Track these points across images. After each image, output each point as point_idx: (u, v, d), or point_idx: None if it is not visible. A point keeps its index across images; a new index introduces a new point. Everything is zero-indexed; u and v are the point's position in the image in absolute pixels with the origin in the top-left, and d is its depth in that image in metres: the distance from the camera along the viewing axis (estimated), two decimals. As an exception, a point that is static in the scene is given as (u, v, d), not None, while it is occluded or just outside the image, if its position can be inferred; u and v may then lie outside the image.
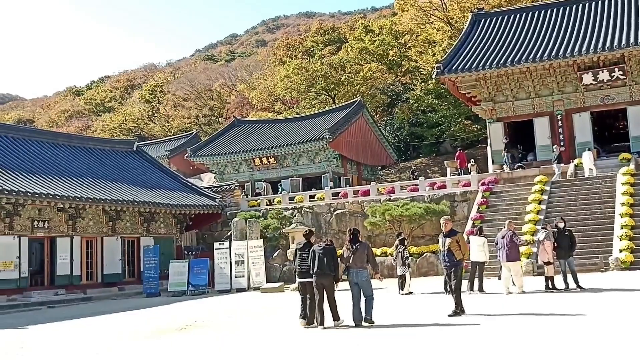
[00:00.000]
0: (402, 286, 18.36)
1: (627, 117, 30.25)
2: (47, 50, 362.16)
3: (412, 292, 18.21)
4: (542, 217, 23.72)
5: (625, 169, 25.16)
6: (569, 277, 16.26)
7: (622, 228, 21.42)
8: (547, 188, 25.87)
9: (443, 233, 13.07)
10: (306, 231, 13.10)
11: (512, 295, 15.67)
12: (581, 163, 27.83)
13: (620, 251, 20.32)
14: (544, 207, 24.45)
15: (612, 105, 30.49)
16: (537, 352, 8.29)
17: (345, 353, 9.29)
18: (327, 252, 11.98)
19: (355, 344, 9.96)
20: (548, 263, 16.43)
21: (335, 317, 12.15)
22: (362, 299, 12.08)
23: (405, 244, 19.33)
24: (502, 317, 11.99)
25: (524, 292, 16.10)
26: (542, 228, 17.56)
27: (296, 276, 12.79)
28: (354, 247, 12.23)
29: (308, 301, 12.22)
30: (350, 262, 12.16)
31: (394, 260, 19.29)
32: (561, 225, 16.92)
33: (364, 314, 11.98)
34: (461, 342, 9.45)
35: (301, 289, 12.48)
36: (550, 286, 16.25)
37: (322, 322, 11.96)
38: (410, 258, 19.57)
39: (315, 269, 11.93)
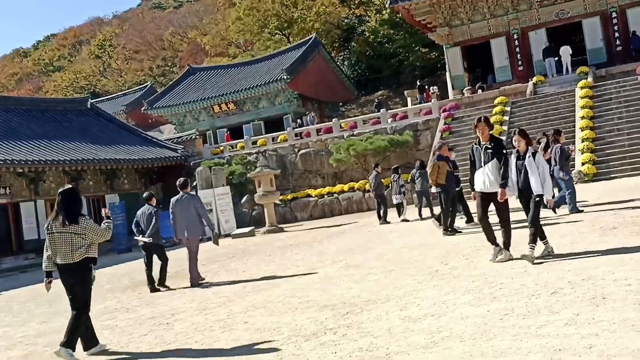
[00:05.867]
0: (399, 213, 18.80)
1: (582, 30, 30.35)
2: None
3: (407, 220, 18.19)
4: (504, 137, 23.90)
5: (583, 82, 25.34)
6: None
7: (582, 141, 21.75)
8: (508, 109, 26.02)
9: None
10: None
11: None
12: (540, 81, 28.01)
13: (583, 164, 20.69)
14: (505, 127, 24.63)
15: (567, 20, 30.51)
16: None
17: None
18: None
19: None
20: None
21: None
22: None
23: (399, 172, 19.43)
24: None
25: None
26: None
27: None
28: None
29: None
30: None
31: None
32: (544, 140, 14.86)
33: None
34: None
35: None
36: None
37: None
38: (405, 186, 19.48)
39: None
